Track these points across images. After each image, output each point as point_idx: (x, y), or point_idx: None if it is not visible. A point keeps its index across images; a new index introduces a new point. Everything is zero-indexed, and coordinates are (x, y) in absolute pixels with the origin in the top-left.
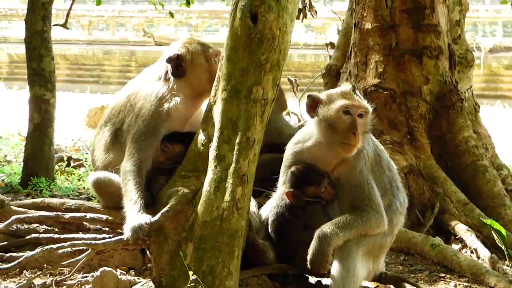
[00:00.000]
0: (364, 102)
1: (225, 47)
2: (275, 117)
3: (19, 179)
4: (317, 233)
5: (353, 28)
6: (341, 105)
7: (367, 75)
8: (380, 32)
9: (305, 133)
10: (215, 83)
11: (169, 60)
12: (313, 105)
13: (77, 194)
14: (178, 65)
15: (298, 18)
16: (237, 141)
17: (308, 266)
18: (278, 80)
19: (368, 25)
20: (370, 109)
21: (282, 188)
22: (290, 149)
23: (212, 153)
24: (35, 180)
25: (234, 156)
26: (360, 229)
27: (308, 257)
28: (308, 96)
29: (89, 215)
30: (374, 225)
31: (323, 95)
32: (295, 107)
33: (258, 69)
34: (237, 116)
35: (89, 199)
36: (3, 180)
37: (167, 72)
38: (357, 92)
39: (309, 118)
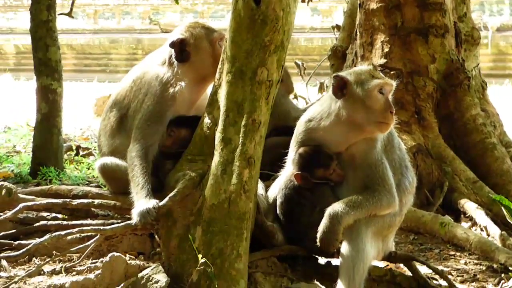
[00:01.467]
0: (392, 80)
1: (229, 29)
2: (282, 100)
3: (28, 169)
4: (328, 211)
5: (358, 8)
6: (377, 84)
7: (373, 55)
8: (385, 12)
9: (322, 111)
10: (219, 65)
11: (173, 44)
12: (341, 85)
13: (87, 182)
14: (182, 49)
15: (304, 1)
16: (243, 123)
17: (318, 244)
18: (283, 61)
19: (373, 5)
20: (394, 86)
21: (291, 167)
22: (302, 125)
23: (218, 136)
24: (44, 170)
25: (240, 138)
26: (371, 209)
27: (318, 235)
28: (335, 76)
29: (96, 201)
30: (385, 205)
31: (349, 75)
32: (303, 90)
33: (262, 51)
34: (242, 98)
35: (98, 187)
36: (12, 170)
37: (171, 56)
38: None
39: (326, 97)
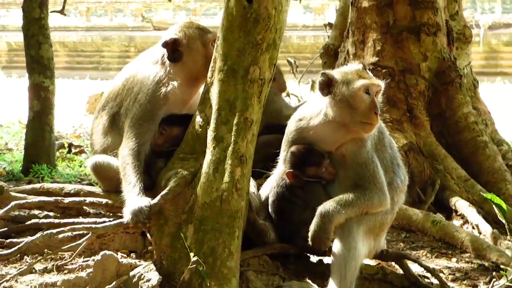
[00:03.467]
0: (380, 81)
1: (221, 28)
2: (274, 98)
3: (20, 166)
4: (319, 210)
5: (350, 6)
6: (362, 85)
7: (365, 53)
8: (377, 10)
9: (311, 110)
10: (211, 64)
11: (165, 44)
12: (327, 83)
13: (79, 180)
14: (175, 49)
15: None
16: (235, 122)
17: (309, 242)
18: (275, 59)
19: (365, 3)
20: (383, 87)
21: (282, 166)
22: (293, 125)
23: (210, 134)
24: (37, 167)
25: (232, 137)
26: (362, 207)
27: (310, 234)
28: (322, 73)
29: (88, 199)
30: (376, 203)
31: (337, 74)
32: (295, 88)
33: (255, 49)
34: (234, 96)
35: (90, 185)
36: (4, 168)
37: (163, 56)
38: (367, 70)
39: (316, 95)
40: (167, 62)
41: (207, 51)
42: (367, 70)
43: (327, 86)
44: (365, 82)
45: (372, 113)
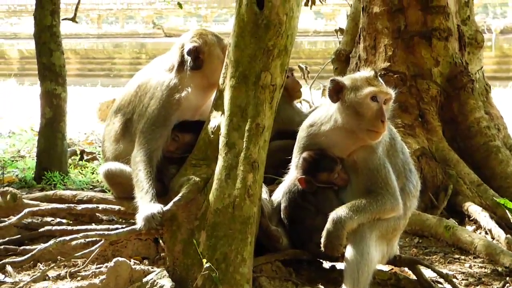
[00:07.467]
0: (390, 89)
1: (232, 34)
2: (286, 105)
3: (33, 174)
4: (331, 216)
5: (362, 12)
6: (369, 92)
7: (376, 59)
8: (388, 15)
9: (322, 116)
10: (223, 70)
11: (189, 52)
12: (336, 90)
13: (91, 187)
14: (196, 56)
15: (306, 5)
16: (246, 128)
17: (322, 249)
18: (286, 65)
19: (376, 9)
20: (394, 96)
21: (294, 172)
22: (304, 131)
23: (222, 140)
24: (49, 175)
25: (244, 143)
26: (374, 213)
27: (322, 240)
28: (332, 80)
29: (101, 206)
30: (389, 209)
31: (346, 80)
32: (306, 94)
33: (266, 55)
34: (246, 102)
35: (103, 192)
36: (17, 175)
37: (180, 63)
38: (379, 77)
39: (327, 101)
40: (186, 69)
41: (225, 57)
42: (379, 78)
43: (336, 92)
44: (372, 90)
45: (379, 121)
